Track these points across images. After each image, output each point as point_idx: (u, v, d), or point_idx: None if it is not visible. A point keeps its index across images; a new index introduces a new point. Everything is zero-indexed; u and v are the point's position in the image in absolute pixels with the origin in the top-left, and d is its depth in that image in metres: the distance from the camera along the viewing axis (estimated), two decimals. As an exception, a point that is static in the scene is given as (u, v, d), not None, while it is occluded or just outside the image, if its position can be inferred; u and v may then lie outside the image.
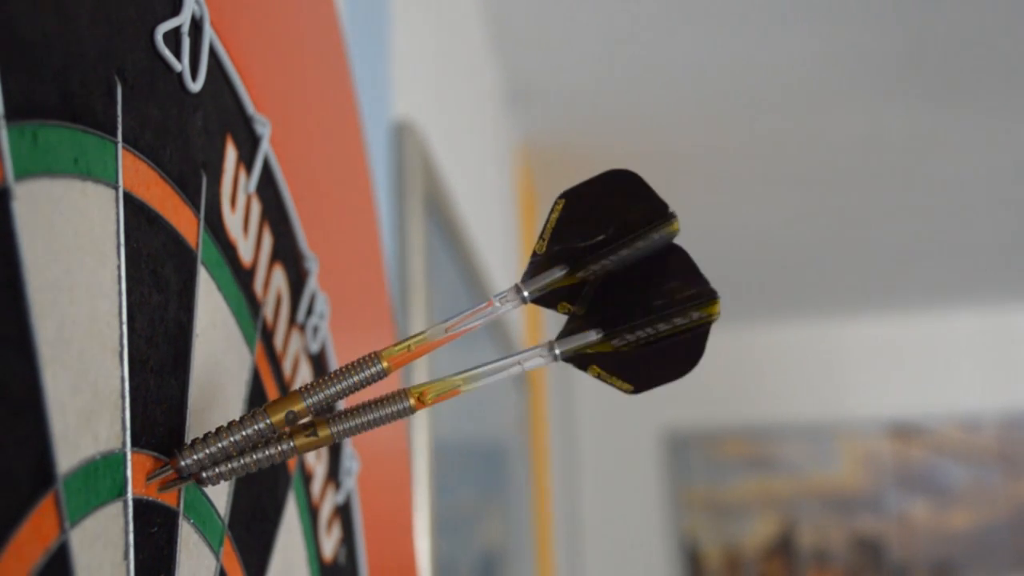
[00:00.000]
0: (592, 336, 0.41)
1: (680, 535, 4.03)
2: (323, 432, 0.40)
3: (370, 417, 0.40)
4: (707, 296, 0.40)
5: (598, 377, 0.41)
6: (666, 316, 0.40)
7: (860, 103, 2.43)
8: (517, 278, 0.42)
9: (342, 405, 0.51)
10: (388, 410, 0.40)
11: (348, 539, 0.60)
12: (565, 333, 0.41)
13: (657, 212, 0.40)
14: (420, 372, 1.09)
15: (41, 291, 0.30)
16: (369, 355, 0.40)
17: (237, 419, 0.39)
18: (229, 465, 0.39)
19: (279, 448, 0.39)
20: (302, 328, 0.55)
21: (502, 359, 0.41)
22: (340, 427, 0.40)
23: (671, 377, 0.41)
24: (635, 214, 0.40)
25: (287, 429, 0.40)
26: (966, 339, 4.05)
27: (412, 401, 0.40)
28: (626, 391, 0.41)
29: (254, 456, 0.39)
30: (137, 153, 0.37)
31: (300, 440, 0.40)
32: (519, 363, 0.41)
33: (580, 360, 0.41)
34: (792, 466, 4.07)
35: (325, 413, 0.41)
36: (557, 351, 0.41)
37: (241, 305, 0.47)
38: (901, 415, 4.05)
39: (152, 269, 0.37)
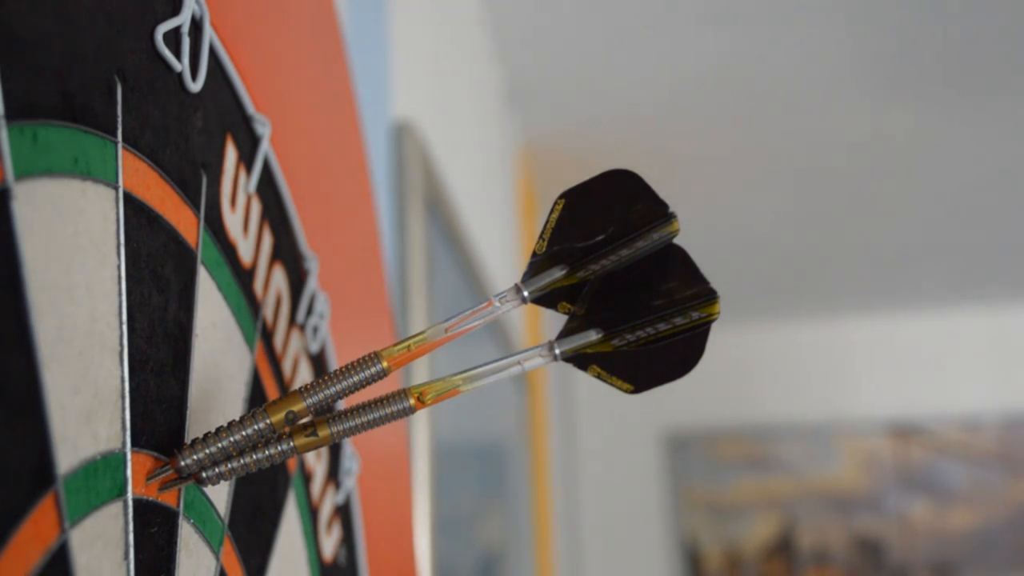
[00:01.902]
0: (592, 336, 0.41)
1: (680, 535, 4.03)
2: (323, 432, 0.40)
3: (370, 417, 0.40)
4: (707, 296, 0.40)
5: (598, 377, 0.41)
6: (666, 316, 0.40)
7: (860, 103, 2.43)
8: (517, 278, 0.42)
9: (342, 405, 0.51)
10: (388, 410, 0.40)
11: (348, 539, 0.60)
12: (565, 333, 0.41)
13: (657, 212, 0.40)
14: (420, 372, 1.09)
15: (41, 291, 0.30)
16: (369, 355, 0.40)
17: (237, 419, 0.39)
18: (229, 465, 0.39)
19: (279, 448, 0.39)
20: (302, 328, 0.55)
21: (502, 359, 0.41)
22: (340, 427, 0.40)
23: (671, 377, 0.41)
24: (635, 214, 0.40)
25: (287, 429, 0.40)
26: (966, 339, 4.05)
27: (412, 401, 0.40)
28: (626, 391, 0.41)
29: (254, 456, 0.39)
30: (137, 153, 0.37)
31: (300, 440, 0.40)
32: (519, 363, 0.41)
33: (580, 360, 0.41)
34: (792, 466, 4.07)
35: (325, 413, 0.41)
36: (557, 351, 0.41)
37: (241, 305, 0.47)
38: (901, 415, 4.05)
39: (152, 269, 0.37)
